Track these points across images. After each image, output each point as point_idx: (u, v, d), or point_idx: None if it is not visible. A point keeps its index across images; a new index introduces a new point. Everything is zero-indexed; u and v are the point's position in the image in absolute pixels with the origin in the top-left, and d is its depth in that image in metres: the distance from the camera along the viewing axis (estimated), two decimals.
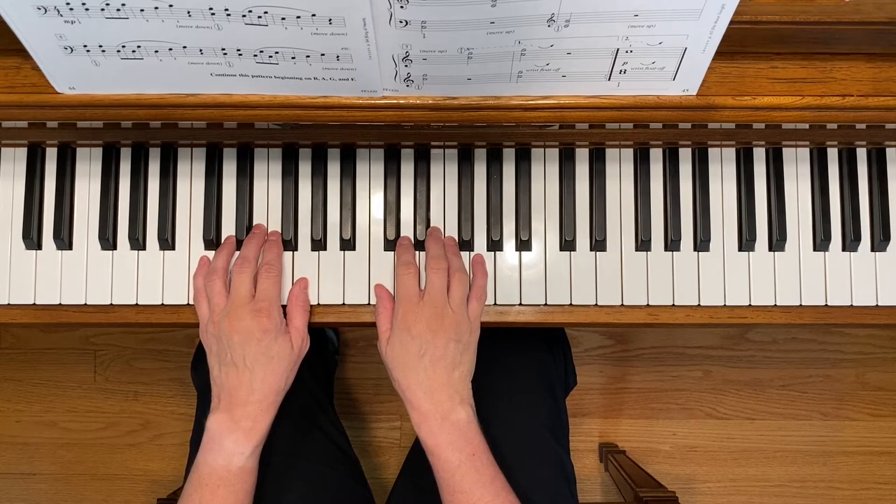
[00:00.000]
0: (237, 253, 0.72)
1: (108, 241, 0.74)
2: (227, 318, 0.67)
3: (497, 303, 0.74)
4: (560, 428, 0.85)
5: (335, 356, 1.41)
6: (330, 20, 0.53)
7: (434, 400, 0.66)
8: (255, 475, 0.68)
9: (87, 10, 0.53)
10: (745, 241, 0.74)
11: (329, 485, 0.82)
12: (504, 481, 0.66)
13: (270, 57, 0.57)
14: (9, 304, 0.74)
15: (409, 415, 0.67)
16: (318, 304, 0.74)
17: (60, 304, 0.74)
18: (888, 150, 0.76)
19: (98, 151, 0.75)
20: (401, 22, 0.54)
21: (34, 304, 0.74)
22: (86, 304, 0.74)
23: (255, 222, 0.75)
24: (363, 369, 1.44)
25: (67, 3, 0.53)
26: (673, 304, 0.74)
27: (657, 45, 0.57)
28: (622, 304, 0.74)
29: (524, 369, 0.86)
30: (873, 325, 0.81)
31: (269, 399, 0.67)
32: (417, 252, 0.73)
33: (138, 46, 0.56)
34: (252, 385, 0.66)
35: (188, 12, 0.53)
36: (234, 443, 0.65)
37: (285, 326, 0.70)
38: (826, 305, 0.74)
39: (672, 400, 1.46)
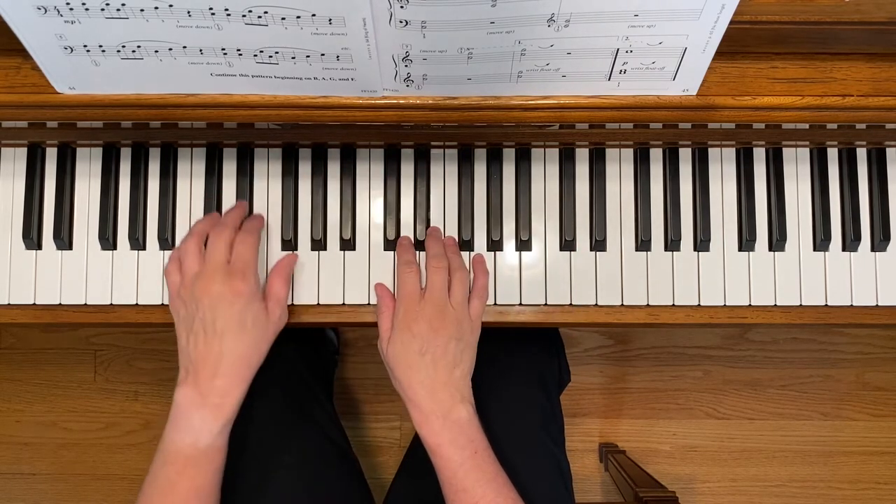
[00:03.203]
0: None
1: (108, 240, 0.74)
2: (199, 281, 0.64)
3: (497, 303, 0.74)
4: (555, 425, 0.85)
5: (335, 356, 1.41)
6: (330, 20, 0.53)
7: (435, 398, 0.66)
8: (224, 453, 0.65)
9: (87, 10, 0.53)
10: (745, 241, 0.74)
11: (328, 484, 0.82)
12: (506, 478, 0.66)
13: (270, 57, 0.57)
14: (9, 304, 0.74)
15: (410, 414, 0.67)
16: (319, 303, 0.74)
17: (60, 304, 0.74)
18: (888, 150, 0.76)
19: (98, 151, 0.75)
20: (401, 22, 0.54)
21: (34, 304, 0.74)
22: (86, 304, 0.74)
23: None
24: (363, 369, 1.44)
25: (67, 3, 0.53)
26: (673, 304, 0.74)
27: (657, 45, 0.57)
28: (622, 304, 0.74)
29: (519, 367, 0.86)
30: (873, 325, 0.81)
31: (239, 372, 0.64)
32: (418, 252, 0.73)
33: (138, 46, 0.56)
34: (221, 354, 0.63)
35: (188, 12, 0.53)
36: (202, 420, 0.62)
37: (262, 293, 0.67)
38: (826, 305, 0.74)
39: (672, 400, 1.45)
